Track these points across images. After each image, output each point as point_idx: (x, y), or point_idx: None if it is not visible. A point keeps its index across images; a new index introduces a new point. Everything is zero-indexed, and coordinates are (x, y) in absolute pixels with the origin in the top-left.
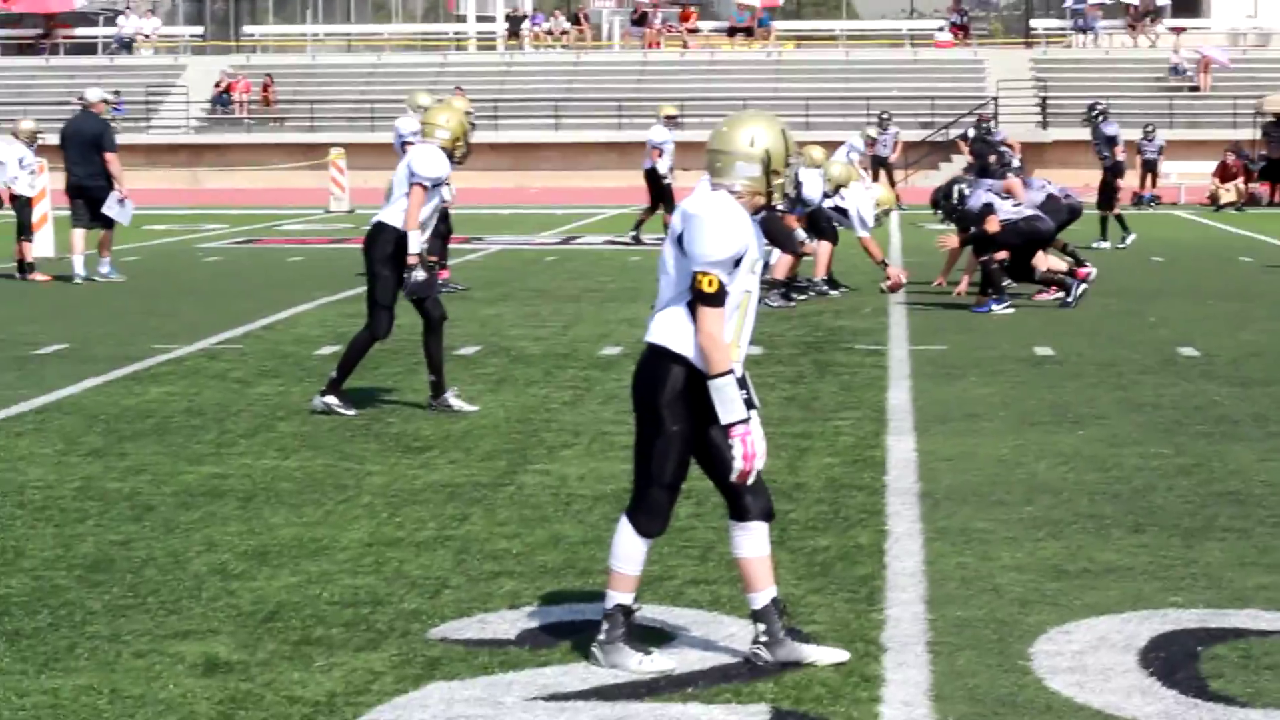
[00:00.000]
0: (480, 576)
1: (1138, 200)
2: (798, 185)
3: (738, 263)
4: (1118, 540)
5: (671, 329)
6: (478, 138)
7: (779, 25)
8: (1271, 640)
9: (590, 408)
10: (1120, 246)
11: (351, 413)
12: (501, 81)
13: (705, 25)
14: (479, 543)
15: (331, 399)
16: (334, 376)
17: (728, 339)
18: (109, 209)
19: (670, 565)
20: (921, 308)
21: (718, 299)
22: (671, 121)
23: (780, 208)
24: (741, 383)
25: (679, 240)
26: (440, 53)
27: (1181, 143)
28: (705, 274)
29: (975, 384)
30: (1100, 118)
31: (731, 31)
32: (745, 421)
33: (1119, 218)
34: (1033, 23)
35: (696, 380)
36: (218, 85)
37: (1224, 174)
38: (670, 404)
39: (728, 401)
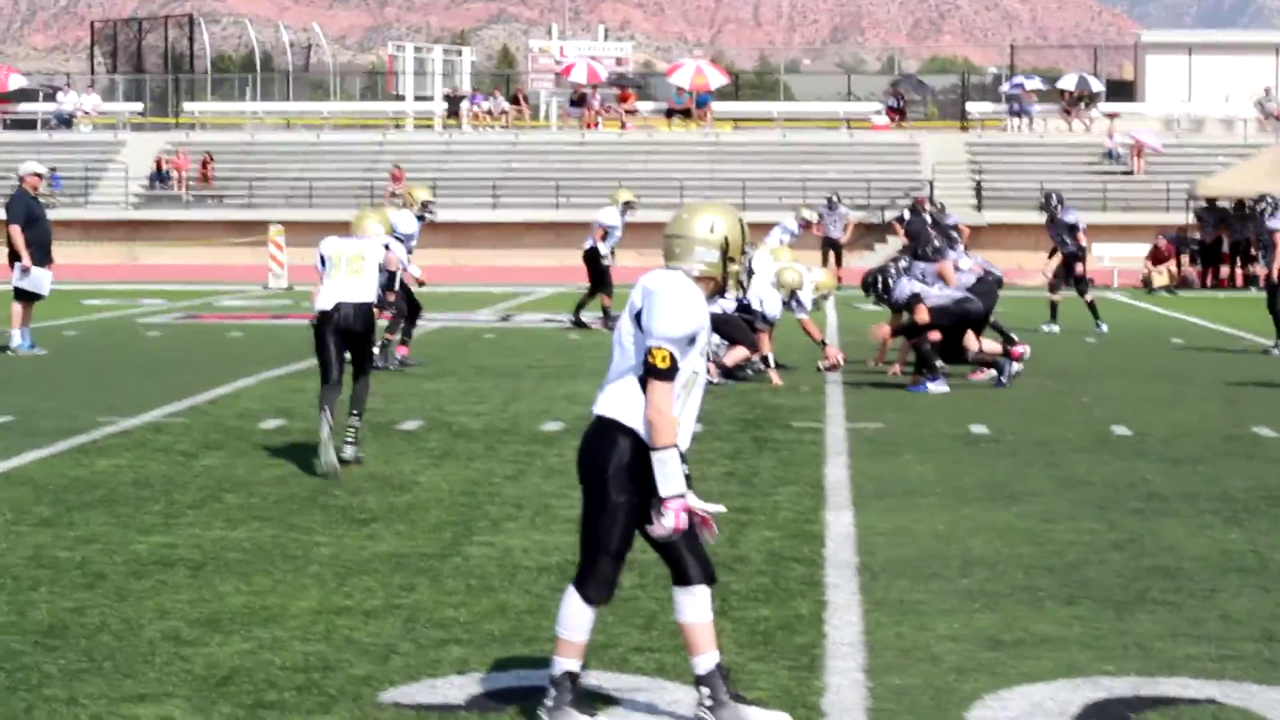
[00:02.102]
0: (428, 644)
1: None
2: (750, 274)
3: (691, 341)
4: (1051, 611)
5: (621, 401)
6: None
7: (716, 107)
8: (1200, 707)
9: (532, 481)
10: (1099, 331)
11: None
12: (440, 160)
13: (644, 106)
14: (426, 611)
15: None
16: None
17: (675, 414)
18: (16, 280)
19: (615, 634)
20: (857, 387)
21: (669, 374)
22: (628, 207)
23: (734, 295)
24: (682, 458)
25: (638, 316)
26: (379, 131)
27: (1115, 226)
28: (659, 349)
29: (911, 461)
30: (1059, 206)
31: (669, 113)
32: (681, 496)
33: (1091, 305)
34: (968, 106)
35: (643, 452)
36: (157, 162)
37: (1156, 257)
38: (616, 475)
39: (669, 475)
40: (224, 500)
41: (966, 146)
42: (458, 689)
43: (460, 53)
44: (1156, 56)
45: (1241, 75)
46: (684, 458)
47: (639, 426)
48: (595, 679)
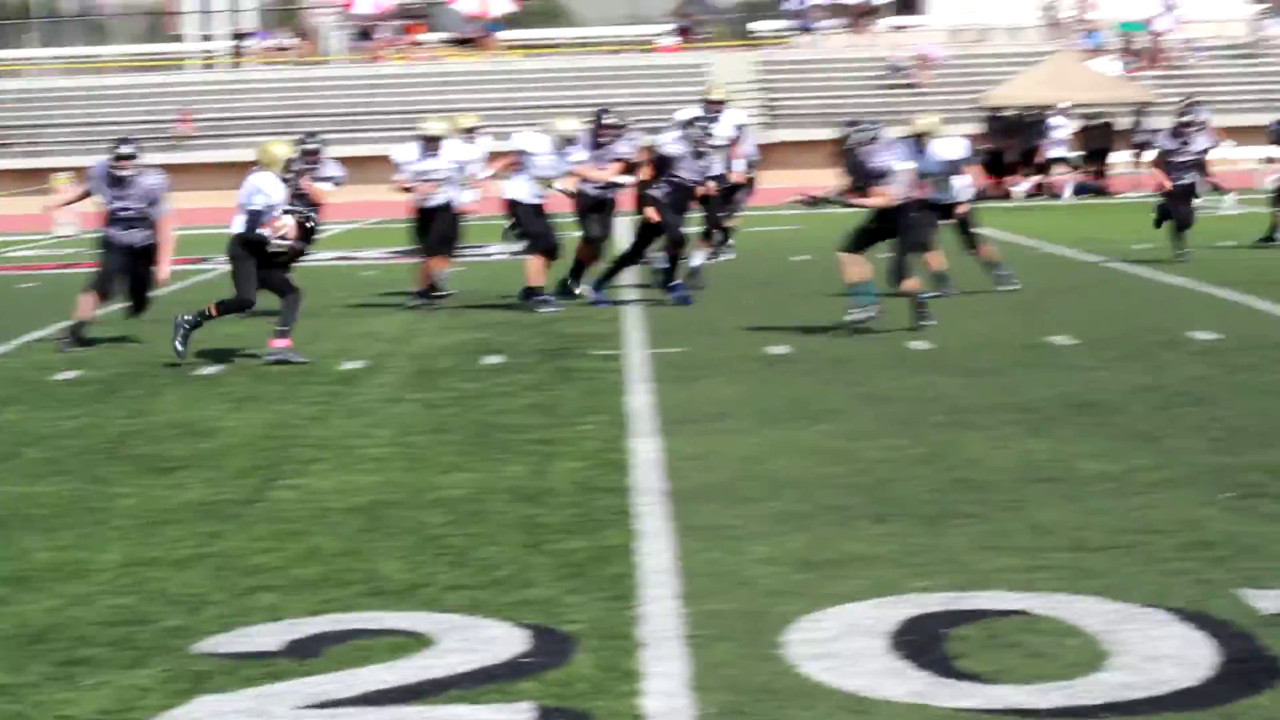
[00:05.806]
0: (240, 591)
1: None
2: None
3: None
4: (862, 530)
5: None
6: (204, 157)
7: (502, 35)
8: (1013, 619)
9: (336, 422)
10: None
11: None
12: (228, 99)
13: (430, 37)
14: (236, 558)
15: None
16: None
17: None
18: None
19: (427, 572)
20: (655, 310)
21: None
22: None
23: None
24: None
25: None
26: (163, 73)
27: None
28: None
29: (715, 384)
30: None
31: (458, 43)
32: None
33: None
34: (755, 25)
35: None
36: None
37: None
38: None
39: None
40: (23, 455)
41: (755, 65)
42: (272, 636)
43: None
44: None
45: None
46: None
47: None
48: (410, 620)
